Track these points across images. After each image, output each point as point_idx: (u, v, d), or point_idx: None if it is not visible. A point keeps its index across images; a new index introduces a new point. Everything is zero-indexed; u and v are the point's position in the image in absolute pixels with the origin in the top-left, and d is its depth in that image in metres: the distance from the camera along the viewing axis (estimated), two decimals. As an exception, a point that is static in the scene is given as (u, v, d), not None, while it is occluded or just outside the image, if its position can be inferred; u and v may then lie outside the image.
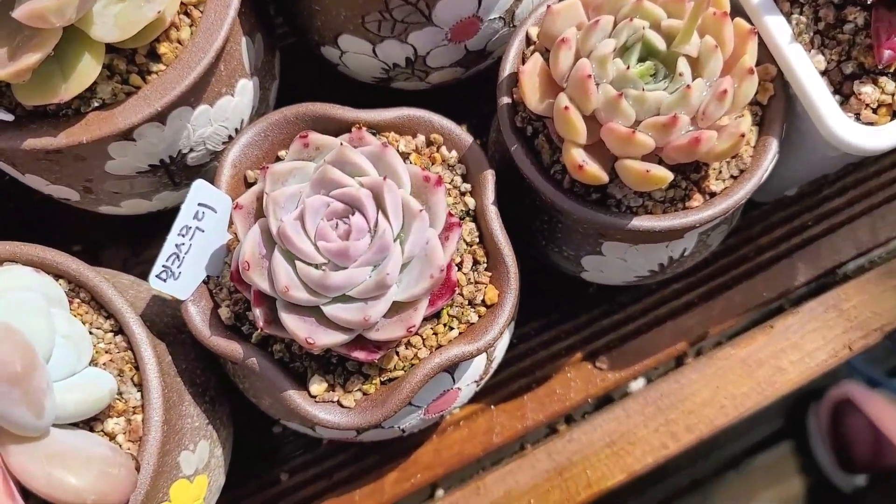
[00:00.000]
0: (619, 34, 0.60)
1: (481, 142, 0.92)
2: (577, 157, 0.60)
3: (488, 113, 0.80)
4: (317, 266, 0.58)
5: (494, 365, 0.73)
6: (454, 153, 0.68)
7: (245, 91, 0.72)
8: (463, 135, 0.68)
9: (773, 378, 0.76)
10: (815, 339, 0.77)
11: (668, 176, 0.60)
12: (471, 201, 0.67)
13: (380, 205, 0.59)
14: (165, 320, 0.69)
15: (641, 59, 0.61)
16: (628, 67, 0.59)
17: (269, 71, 0.77)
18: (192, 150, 0.70)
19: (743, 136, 0.59)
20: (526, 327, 0.83)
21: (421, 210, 0.58)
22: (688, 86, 0.58)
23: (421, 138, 0.68)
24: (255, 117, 0.76)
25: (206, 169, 0.73)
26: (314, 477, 0.81)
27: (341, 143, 0.59)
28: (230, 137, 0.73)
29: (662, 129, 0.58)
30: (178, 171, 0.71)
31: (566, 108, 0.59)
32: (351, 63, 0.76)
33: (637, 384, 0.84)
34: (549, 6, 0.62)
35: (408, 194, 0.60)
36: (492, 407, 0.82)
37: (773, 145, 0.65)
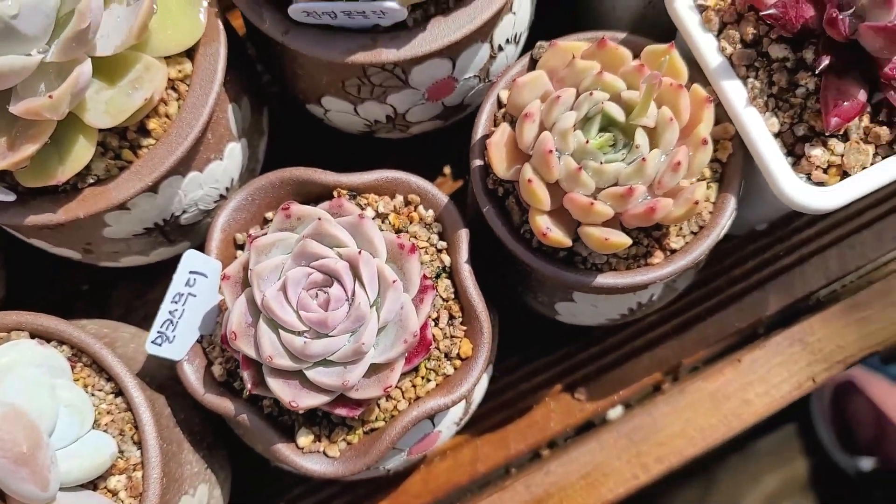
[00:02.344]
0: (581, 107, 0.63)
1: (464, 181, 0.96)
2: (542, 224, 0.64)
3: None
4: (299, 333, 0.62)
5: (474, 406, 0.77)
6: (431, 212, 0.72)
7: (233, 154, 0.75)
8: (439, 194, 0.72)
9: (739, 410, 0.80)
10: (781, 373, 0.81)
11: (626, 241, 0.63)
12: (447, 258, 0.71)
13: (356, 275, 0.63)
14: (164, 373, 0.74)
15: (603, 129, 0.65)
16: (588, 142, 0.62)
17: (256, 129, 0.80)
18: (184, 212, 0.74)
19: (697, 203, 0.62)
20: (507, 361, 0.88)
21: (394, 281, 0.62)
22: (643, 158, 0.61)
23: (399, 198, 0.72)
24: (244, 175, 0.80)
25: (199, 226, 0.78)
26: (312, 507, 0.86)
27: (318, 219, 0.63)
28: (221, 197, 0.77)
29: (620, 199, 0.62)
30: (172, 231, 0.76)
31: (529, 180, 0.63)
32: (335, 119, 0.80)
33: (615, 412, 0.88)
34: (514, 79, 0.66)
35: (383, 262, 0.64)
36: (476, 438, 0.86)
37: (731, 203, 0.68)
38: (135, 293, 0.93)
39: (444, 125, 0.83)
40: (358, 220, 0.64)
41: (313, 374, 0.62)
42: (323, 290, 0.63)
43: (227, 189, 0.77)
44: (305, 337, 0.62)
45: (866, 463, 1.61)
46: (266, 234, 0.66)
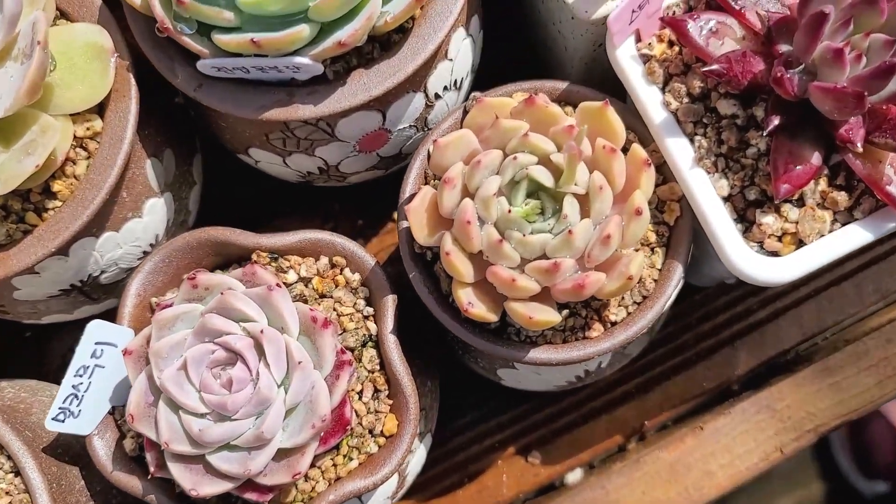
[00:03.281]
0: (505, 171, 0.58)
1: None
2: (464, 299, 0.59)
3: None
4: (200, 416, 0.58)
5: (410, 478, 0.73)
6: (357, 276, 0.67)
7: (155, 210, 0.72)
8: (366, 257, 0.67)
9: (700, 483, 0.74)
10: (746, 442, 0.75)
11: (555, 320, 0.58)
12: (373, 326, 0.66)
13: (262, 354, 0.58)
14: (81, 440, 0.70)
15: (532, 193, 0.60)
16: (509, 211, 0.57)
17: (184, 181, 0.76)
18: (103, 272, 0.70)
19: (631, 278, 0.57)
20: (458, 421, 0.83)
21: (300, 363, 0.58)
22: (570, 230, 0.56)
23: (324, 261, 0.68)
24: (172, 228, 0.76)
25: (124, 283, 0.74)
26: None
27: (221, 293, 0.59)
28: (145, 253, 0.73)
29: (546, 273, 0.56)
30: (93, 290, 0.72)
31: (448, 253, 0.58)
32: (267, 169, 0.76)
33: (574, 476, 0.83)
34: (435, 140, 0.61)
35: (294, 338, 0.60)
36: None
37: (678, 271, 0.63)
38: (77, 339, 0.90)
39: (385, 174, 0.78)
40: (267, 292, 0.60)
41: (215, 460, 0.58)
42: (226, 370, 0.59)
43: (152, 245, 0.73)
44: (208, 419, 0.58)
45: (883, 486, 1.56)
46: (171, 304, 0.62)
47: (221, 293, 0.59)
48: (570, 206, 0.57)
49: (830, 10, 0.55)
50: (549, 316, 0.58)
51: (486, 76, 0.79)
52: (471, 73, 0.76)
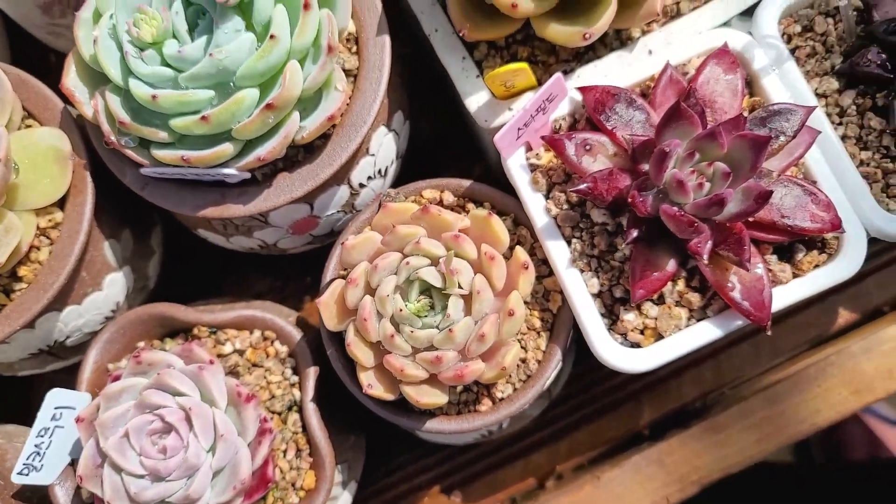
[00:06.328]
0: (401, 272, 0.68)
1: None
2: (365, 380, 0.68)
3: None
4: (140, 477, 0.68)
5: (335, 523, 0.83)
6: (285, 348, 0.77)
7: (114, 283, 0.81)
8: (293, 332, 0.77)
9: (596, 527, 0.84)
10: (637, 491, 0.84)
11: (441, 402, 0.68)
12: (298, 393, 0.76)
13: (192, 425, 0.68)
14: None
15: (425, 290, 0.69)
16: (401, 310, 0.66)
17: (143, 253, 0.86)
18: (68, 337, 0.80)
19: (504, 368, 0.66)
20: (388, 463, 0.93)
21: (222, 436, 0.68)
22: (451, 329, 0.65)
23: (257, 334, 0.77)
24: (133, 295, 0.86)
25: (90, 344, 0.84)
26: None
27: (157, 374, 0.69)
28: (107, 318, 0.83)
29: (431, 363, 0.66)
30: (60, 351, 0.82)
31: (349, 344, 0.67)
32: (216, 242, 0.85)
33: (494, 513, 0.93)
34: (343, 243, 0.70)
35: (222, 410, 0.70)
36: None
37: (557, 354, 0.72)
38: (61, 381, 1.00)
39: (323, 245, 0.88)
40: (198, 371, 0.70)
41: (152, 516, 0.68)
42: (163, 437, 0.69)
43: (114, 311, 0.83)
44: (146, 480, 0.68)
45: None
46: (121, 375, 0.72)
47: (158, 374, 0.69)
48: (454, 306, 0.66)
49: (676, 144, 0.63)
50: (435, 399, 0.68)
51: (422, 153, 0.88)
52: (396, 159, 0.84)
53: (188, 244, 0.94)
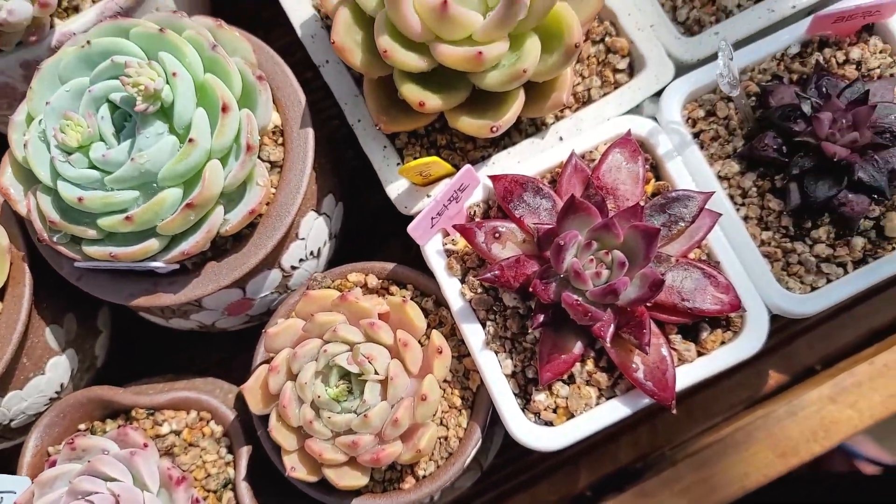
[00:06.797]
0: (320, 359, 0.70)
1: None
2: (288, 463, 0.71)
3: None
4: (72, 562, 0.71)
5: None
6: (220, 427, 0.80)
7: (57, 366, 0.84)
8: (227, 412, 0.80)
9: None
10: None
11: (360, 484, 0.70)
12: (233, 472, 0.78)
13: (122, 511, 0.71)
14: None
15: (345, 375, 0.71)
16: (319, 397, 0.69)
17: (88, 335, 0.89)
18: (12, 420, 0.83)
19: (420, 451, 0.69)
20: None
21: (149, 521, 0.70)
22: (366, 414, 0.68)
23: (193, 414, 0.80)
24: (78, 374, 0.88)
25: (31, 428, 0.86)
26: None
27: (88, 461, 0.72)
28: (52, 399, 0.86)
29: (348, 447, 0.69)
30: (5, 433, 0.85)
31: (270, 429, 0.70)
32: (159, 322, 0.88)
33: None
34: (265, 331, 0.73)
35: (154, 493, 0.72)
36: None
37: (477, 432, 0.74)
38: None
39: (262, 322, 0.90)
40: (130, 456, 0.72)
41: None
42: (95, 523, 0.71)
43: (58, 393, 0.86)
44: (78, 565, 0.71)
45: None
46: (55, 464, 0.75)
47: (90, 460, 0.72)
48: (370, 392, 0.69)
49: (573, 235, 0.66)
50: (355, 481, 0.70)
51: (364, 227, 0.91)
52: (330, 239, 0.87)
53: (136, 321, 0.97)
